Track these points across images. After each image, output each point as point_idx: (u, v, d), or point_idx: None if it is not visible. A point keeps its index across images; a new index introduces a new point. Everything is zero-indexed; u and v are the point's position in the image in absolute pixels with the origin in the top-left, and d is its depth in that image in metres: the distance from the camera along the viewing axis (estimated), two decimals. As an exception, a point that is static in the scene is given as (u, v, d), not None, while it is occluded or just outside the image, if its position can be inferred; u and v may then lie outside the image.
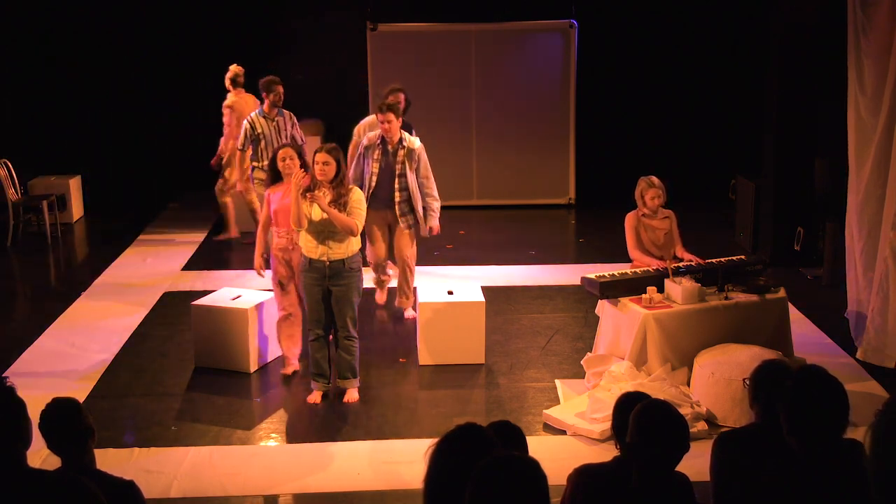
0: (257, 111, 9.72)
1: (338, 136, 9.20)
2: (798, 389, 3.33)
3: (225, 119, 10.81)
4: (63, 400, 3.71)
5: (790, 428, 3.32)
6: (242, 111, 10.50)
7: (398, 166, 8.11)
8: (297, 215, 6.68)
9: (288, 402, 7.07)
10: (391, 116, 7.98)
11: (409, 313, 8.63)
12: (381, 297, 8.92)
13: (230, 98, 10.80)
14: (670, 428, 3.38)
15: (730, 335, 6.91)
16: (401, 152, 8.11)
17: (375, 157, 8.14)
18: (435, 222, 8.35)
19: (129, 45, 13.27)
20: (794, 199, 10.05)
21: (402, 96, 8.83)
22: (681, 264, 7.27)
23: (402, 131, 8.18)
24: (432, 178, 8.30)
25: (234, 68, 10.79)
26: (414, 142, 8.19)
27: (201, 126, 13.46)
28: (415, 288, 8.50)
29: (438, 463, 3.05)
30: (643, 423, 3.38)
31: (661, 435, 3.36)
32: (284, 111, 9.78)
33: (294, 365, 7.49)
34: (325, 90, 13.35)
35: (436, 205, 8.32)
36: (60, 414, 3.64)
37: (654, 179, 7.42)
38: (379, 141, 8.14)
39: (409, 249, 8.47)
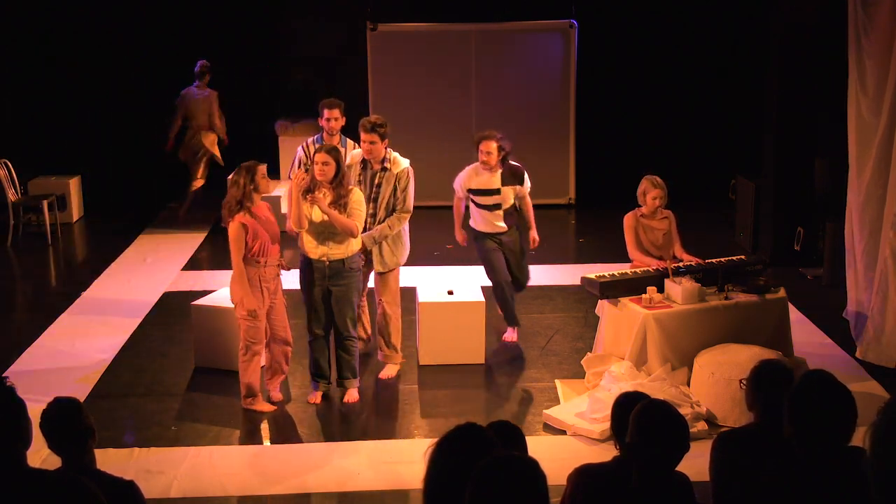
0: (315, 137, 7.83)
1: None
2: (802, 395, 3.31)
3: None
4: (64, 400, 3.71)
5: (794, 433, 3.30)
6: (185, 102, 11.80)
7: (373, 189, 7.17)
8: (297, 216, 6.67)
9: (288, 402, 7.06)
10: (374, 137, 7.06)
11: (387, 372, 7.48)
12: (389, 373, 7.50)
13: (192, 88, 11.81)
14: (670, 428, 3.38)
15: (730, 335, 6.91)
16: (380, 174, 7.16)
17: (357, 179, 7.20)
18: (366, 238, 7.09)
19: (129, 45, 13.26)
20: (794, 199, 10.05)
21: (494, 145, 7.74)
22: (681, 264, 7.27)
23: (390, 150, 7.20)
24: (409, 206, 7.19)
25: (201, 63, 11.80)
26: (400, 163, 7.17)
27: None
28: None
29: (438, 463, 3.05)
30: (643, 423, 3.38)
31: (661, 435, 3.36)
32: (349, 141, 7.83)
33: (265, 405, 6.87)
34: (326, 90, 13.33)
35: (386, 230, 7.15)
36: (61, 414, 3.64)
37: (658, 180, 7.40)
38: (360, 159, 7.25)
39: (389, 294, 7.39)
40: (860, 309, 7.88)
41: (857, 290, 7.94)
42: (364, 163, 7.26)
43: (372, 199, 7.17)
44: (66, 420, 3.63)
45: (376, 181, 7.18)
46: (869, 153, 7.68)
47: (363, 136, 7.13)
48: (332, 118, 7.63)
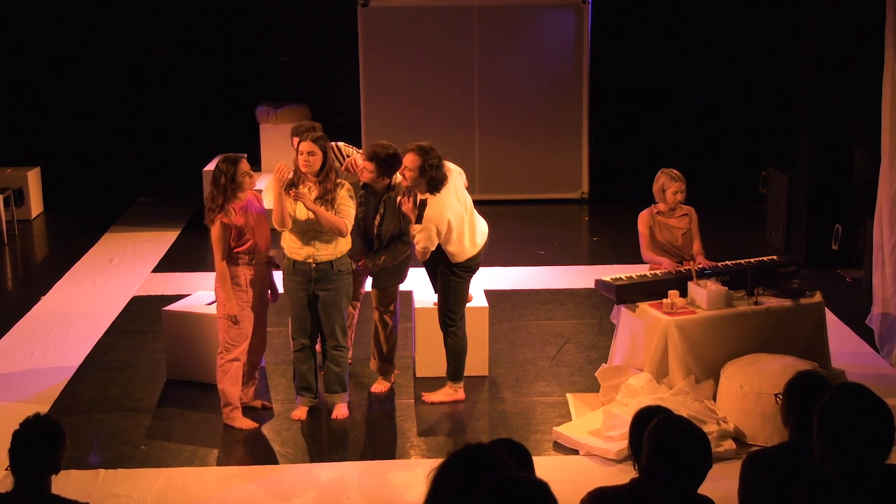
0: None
1: (325, 124, 9.17)
2: (833, 408, 3.31)
3: None
4: (48, 423, 3.64)
5: (823, 450, 3.30)
6: None
7: (378, 217, 7.11)
8: (280, 214, 6.65)
9: (270, 418, 7.06)
10: (371, 166, 6.93)
11: (379, 385, 7.49)
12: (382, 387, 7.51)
13: None
14: (689, 445, 3.37)
15: (760, 344, 6.91)
16: (384, 203, 7.07)
17: (360, 200, 7.09)
18: (376, 262, 7.12)
19: (95, 27, 13.27)
20: (831, 194, 10.05)
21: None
22: (706, 265, 7.26)
23: (397, 175, 7.03)
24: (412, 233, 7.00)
25: None
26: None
27: (173, 115, 13.50)
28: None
29: (441, 486, 3.04)
30: (658, 441, 3.37)
31: (679, 453, 3.35)
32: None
33: (245, 421, 6.88)
34: (312, 73, 13.36)
35: (391, 259, 7.17)
36: (42, 438, 3.58)
37: (677, 173, 7.40)
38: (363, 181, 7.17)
39: (385, 304, 7.40)
40: (887, 310, 7.87)
41: (885, 290, 7.92)
42: (366, 185, 7.13)
43: (377, 225, 7.10)
44: (44, 446, 3.58)
45: (381, 209, 7.09)
46: (904, 143, 7.66)
47: (367, 164, 7.00)
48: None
